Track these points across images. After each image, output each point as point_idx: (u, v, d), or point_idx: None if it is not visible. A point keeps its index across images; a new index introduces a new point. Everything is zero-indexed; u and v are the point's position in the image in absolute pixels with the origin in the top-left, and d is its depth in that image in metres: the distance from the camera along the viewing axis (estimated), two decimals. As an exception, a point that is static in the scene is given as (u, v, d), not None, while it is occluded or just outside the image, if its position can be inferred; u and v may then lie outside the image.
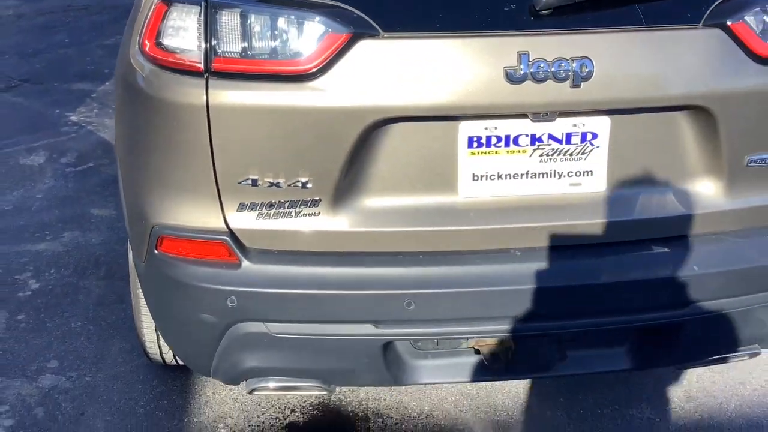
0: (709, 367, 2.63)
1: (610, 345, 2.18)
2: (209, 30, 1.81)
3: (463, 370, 2.14)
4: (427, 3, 1.83)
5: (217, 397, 2.74)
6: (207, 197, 1.90)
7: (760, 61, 1.92)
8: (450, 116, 1.87)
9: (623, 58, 1.86)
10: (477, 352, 2.15)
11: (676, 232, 2.04)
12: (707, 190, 2.03)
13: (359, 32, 1.78)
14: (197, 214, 1.92)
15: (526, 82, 1.81)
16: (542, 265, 1.97)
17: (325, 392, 2.18)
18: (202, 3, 1.82)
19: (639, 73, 1.87)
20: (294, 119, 1.82)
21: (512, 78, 1.80)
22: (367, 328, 1.96)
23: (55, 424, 2.63)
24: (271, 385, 2.11)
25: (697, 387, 2.77)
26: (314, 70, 1.79)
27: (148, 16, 1.89)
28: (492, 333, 2.02)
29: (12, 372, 2.87)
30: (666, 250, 2.02)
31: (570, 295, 1.98)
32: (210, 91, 1.81)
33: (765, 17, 1.93)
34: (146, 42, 1.90)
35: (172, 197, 1.94)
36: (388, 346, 2.04)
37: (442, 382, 2.33)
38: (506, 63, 1.80)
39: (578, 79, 1.82)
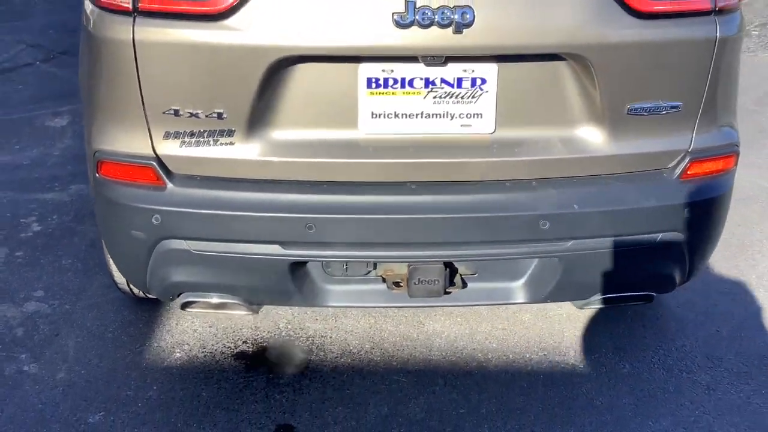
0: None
1: (507, 278, 2.36)
2: None
3: (370, 296, 2.35)
4: None
5: (178, 327, 3.01)
6: (137, 126, 2.15)
7: (637, 15, 2.09)
8: (349, 57, 2.09)
9: (503, 8, 2.05)
10: (384, 280, 2.36)
11: (558, 174, 2.21)
12: (590, 136, 2.20)
13: None
14: (129, 141, 2.18)
15: (413, 27, 2.01)
16: (434, 198, 2.17)
17: (249, 312, 2.42)
18: None
19: (518, 22, 2.06)
20: (209, 55, 2.06)
21: (400, 23, 2.01)
22: (275, 249, 2.19)
23: (31, 342, 2.93)
24: (199, 300, 2.36)
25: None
26: (225, 10, 2.02)
27: None
28: (385, 258, 2.24)
29: (3, 298, 3.18)
30: (549, 189, 2.19)
31: (459, 226, 2.18)
32: (136, 28, 2.06)
33: (646, -24, 2.09)
34: None
35: (108, 126, 2.20)
36: (296, 267, 2.26)
37: (350, 306, 2.54)
38: (395, 9, 2.01)
39: (460, 26, 2.01)
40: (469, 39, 2.03)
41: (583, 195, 2.20)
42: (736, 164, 2.38)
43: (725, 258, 3.50)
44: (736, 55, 2.30)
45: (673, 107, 2.20)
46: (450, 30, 2.02)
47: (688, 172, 2.27)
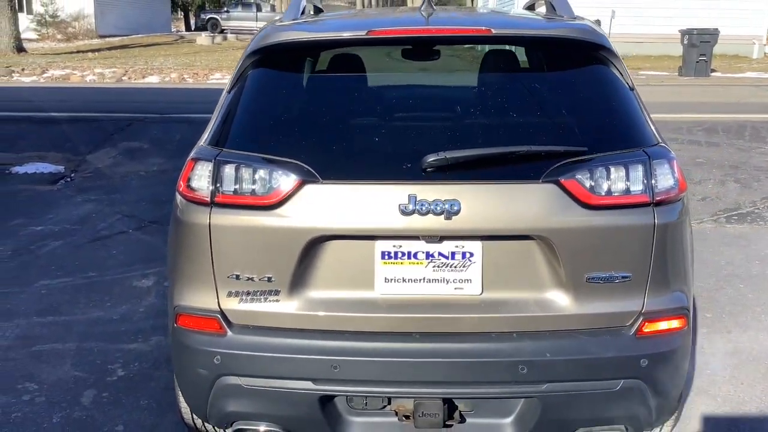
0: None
1: (499, 415, 2.87)
2: (215, 177, 2.79)
3: (384, 428, 2.88)
4: (351, 161, 2.75)
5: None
6: (207, 287, 2.82)
7: (586, 207, 2.69)
8: (368, 236, 2.74)
9: (483, 202, 2.68)
10: (396, 414, 2.90)
11: (533, 328, 2.76)
12: (557, 298, 2.76)
13: (306, 179, 2.71)
14: (201, 298, 2.84)
15: (414, 215, 2.67)
16: (434, 345, 2.74)
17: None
18: (214, 159, 2.82)
19: (494, 211, 2.68)
20: (263, 235, 2.74)
21: (404, 211, 2.67)
22: (307, 384, 2.77)
23: (111, 466, 3.51)
24: (249, 428, 2.93)
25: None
26: (277, 202, 2.72)
27: (184, 167, 2.91)
28: (394, 394, 2.78)
29: None
30: (526, 340, 2.74)
31: (453, 368, 2.73)
32: (212, 215, 2.77)
33: (592, 176, 2.71)
34: (181, 183, 2.90)
35: (186, 286, 2.87)
36: (325, 401, 2.83)
37: None
38: (400, 201, 2.67)
39: (449, 214, 2.66)
40: (456, 224, 2.67)
41: (553, 346, 2.74)
42: (687, 324, 2.88)
43: None
44: (680, 235, 2.85)
45: (624, 277, 2.76)
46: (442, 217, 2.66)
47: (643, 330, 2.79)
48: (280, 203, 2.71)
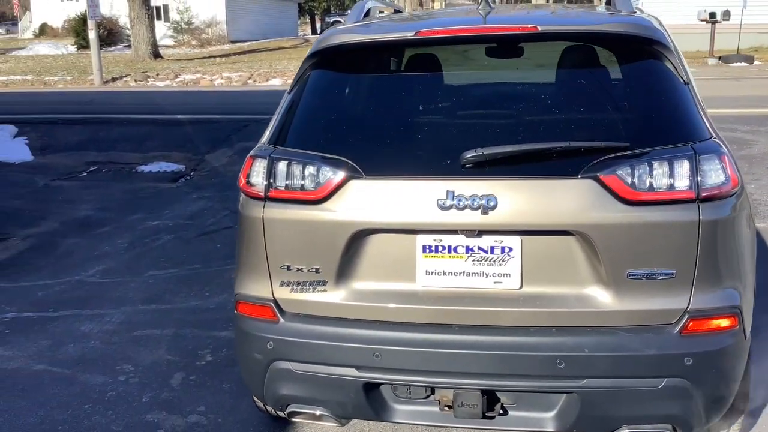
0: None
1: (541, 409, 2.90)
2: (269, 173, 2.97)
3: (427, 416, 2.97)
4: (393, 158, 2.86)
5: (300, 441, 3.74)
6: (263, 276, 3.00)
7: (626, 203, 2.70)
8: (408, 230, 2.84)
9: (519, 197, 2.73)
10: (439, 402, 2.98)
11: (573, 323, 2.78)
12: (597, 294, 2.77)
13: (351, 175, 2.85)
14: (257, 287, 3.03)
15: (452, 210, 2.75)
16: (472, 338, 2.81)
17: (338, 424, 3.11)
18: (268, 157, 2.99)
19: (531, 207, 2.73)
20: (311, 228, 2.89)
21: (442, 207, 2.75)
22: (352, 371, 2.90)
23: (188, 443, 3.77)
24: (302, 411, 3.09)
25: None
26: (324, 197, 2.86)
27: (244, 164, 3.10)
28: (433, 384, 2.87)
29: (174, 411, 4.07)
30: (565, 335, 2.77)
31: (491, 361, 2.79)
32: (266, 209, 2.95)
33: (634, 172, 2.71)
34: (242, 179, 3.09)
35: (245, 276, 3.07)
36: (370, 387, 2.95)
37: (411, 423, 3.13)
38: (439, 197, 2.76)
39: (486, 209, 2.73)
40: (493, 219, 2.73)
41: (592, 341, 2.75)
42: (739, 324, 2.83)
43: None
44: (732, 232, 2.81)
45: (667, 274, 2.74)
46: (479, 212, 2.74)
47: (688, 328, 2.76)
48: (326, 198, 2.85)
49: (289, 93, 3.22)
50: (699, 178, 2.72)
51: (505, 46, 3.12)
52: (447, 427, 3.16)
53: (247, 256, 3.05)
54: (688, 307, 2.76)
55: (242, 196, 3.07)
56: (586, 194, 2.71)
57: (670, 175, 2.72)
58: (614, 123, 2.89)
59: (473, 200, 2.73)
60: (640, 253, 2.73)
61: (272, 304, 2.99)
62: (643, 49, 3.00)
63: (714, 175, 2.75)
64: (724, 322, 2.79)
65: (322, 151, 2.93)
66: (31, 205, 8.78)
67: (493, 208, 2.73)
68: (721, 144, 2.85)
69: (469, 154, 2.74)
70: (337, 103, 3.12)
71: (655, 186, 2.71)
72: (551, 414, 2.88)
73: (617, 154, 2.74)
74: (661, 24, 3.25)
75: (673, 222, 2.71)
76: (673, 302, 2.76)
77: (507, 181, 2.75)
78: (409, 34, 3.04)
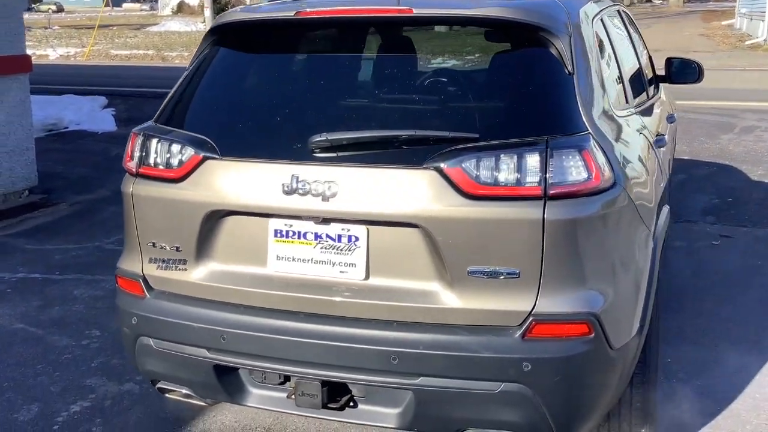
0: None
1: (389, 405, 2.80)
2: (141, 150, 2.99)
3: (276, 402, 2.92)
4: (248, 139, 2.83)
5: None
6: (135, 252, 3.04)
7: (468, 197, 2.56)
8: (261, 214, 2.80)
9: (360, 185, 2.64)
10: (289, 389, 2.93)
11: (414, 319, 2.67)
12: (439, 290, 2.65)
13: (208, 155, 2.83)
14: (131, 263, 3.07)
15: (295, 194, 2.69)
16: (316, 327, 2.75)
17: (205, 404, 3.11)
18: (142, 133, 3.02)
19: (371, 197, 2.63)
20: (171, 206, 2.90)
21: (286, 191, 2.70)
22: (203, 352, 2.90)
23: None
24: (170, 387, 3.11)
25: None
26: (181, 176, 2.87)
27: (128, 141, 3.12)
28: (275, 370, 2.82)
29: (114, 378, 4.19)
30: (403, 330, 2.66)
31: (330, 351, 2.72)
32: (135, 185, 2.98)
33: (480, 165, 2.57)
34: (125, 156, 3.13)
35: (125, 251, 3.12)
36: (223, 369, 2.93)
37: (261, 408, 3.08)
38: (284, 181, 2.71)
39: (326, 196, 2.65)
40: (333, 206, 2.66)
41: (429, 339, 2.63)
42: (594, 332, 2.63)
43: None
44: (592, 233, 2.61)
45: (510, 274, 2.58)
46: (320, 198, 2.67)
47: (532, 332, 2.60)
48: (184, 176, 2.85)
49: (187, 70, 3.23)
50: (549, 174, 2.55)
51: (380, 28, 3.01)
52: (293, 414, 3.10)
53: (126, 232, 3.10)
54: (532, 309, 2.60)
55: (126, 174, 3.12)
56: (427, 186, 2.59)
57: (518, 170, 2.56)
58: (472, 113, 2.75)
59: (315, 186, 2.67)
60: (482, 250, 2.59)
61: (141, 279, 3.02)
62: (523, 35, 2.83)
63: (570, 171, 2.57)
64: (574, 329, 2.61)
65: (192, 130, 2.93)
66: (95, 173, 9.20)
67: (334, 195, 2.65)
68: (590, 139, 2.65)
69: (315, 139, 2.68)
70: (215, 82, 3.11)
71: (500, 180, 2.57)
72: (397, 411, 2.78)
73: (465, 145, 2.60)
74: (572, 8, 3.04)
75: (517, 219, 2.56)
76: (517, 304, 2.61)
77: (350, 169, 2.67)
78: (290, 14, 2.98)
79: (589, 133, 2.69)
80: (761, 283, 5.36)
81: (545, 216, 2.54)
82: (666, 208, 3.62)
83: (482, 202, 2.56)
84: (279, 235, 2.80)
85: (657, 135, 3.68)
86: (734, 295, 5.13)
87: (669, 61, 5.18)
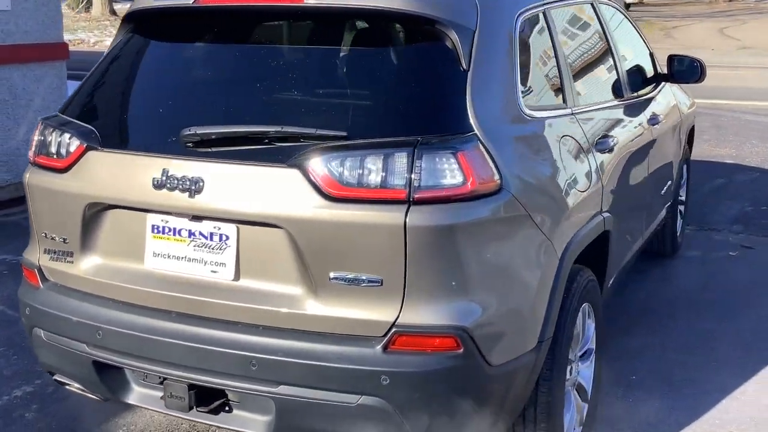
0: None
1: (261, 412, 2.68)
2: (39, 138, 2.95)
3: (153, 401, 2.84)
4: (129, 131, 2.76)
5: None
6: (33, 242, 3.02)
7: (329, 198, 2.42)
8: (138, 208, 2.73)
9: (226, 182, 2.54)
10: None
11: (279, 324, 2.54)
12: (304, 295, 2.52)
13: (90, 146, 2.77)
14: (31, 252, 3.05)
15: (164, 189, 2.60)
16: (182, 327, 2.66)
17: (100, 399, 3.06)
18: (41, 122, 2.99)
19: (236, 194, 2.52)
20: (58, 196, 2.86)
21: (156, 185, 2.62)
22: (83, 347, 2.84)
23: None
24: (63, 380, 3.07)
25: None
26: (65, 167, 2.82)
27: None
28: (146, 370, 2.74)
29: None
30: (266, 335, 2.54)
31: (195, 354, 2.62)
32: (30, 173, 2.95)
33: (344, 164, 2.42)
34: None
35: (30, 241, 3.09)
36: (101, 365, 2.86)
37: (141, 407, 3.00)
38: (155, 175, 2.62)
39: (192, 192, 2.56)
40: (198, 203, 2.57)
41: (289, 346, 2.51)
42: (465, 347, 2.45)
43: None
44: (466, 241, 2.43)
45: (372, 281, 2.43)
46: (186, 194, 2.57)
47: (395, 344, 2.44)
48: (69, 167, 2.81)
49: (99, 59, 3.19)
50: (415, 177, 2.38)
51: (268, 19, 2.88)
52: (168, 414, 3.00)
53: (30, 222, 3.08)
54: (396, 320, 2.44)
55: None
56: (290, 185, 2.47)
57: (383, 172, 2.41)
58: (348, 110, 2.61)
59: (183, 182, 2.58)
60: (344, 255, 2.44)
61: (37, 270, 3.00)
62: (416, 29, 2.67)
63: (441, 174, 2.41)
64: (440, 343, 2.44)
65: (85, 121, 2.88)
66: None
67: (200, 191, 2.56)
68: (473, 141, 2.47)
69: (185, 133, 2.59)
70: (115, 72, 3.06)
71: (364, 182, 2.42)
72: (265, 419, 2.67)
73: (332, 144, 2.46)
74: (488, 2, 2.85)
75: (378, 224, 2.40)
76: (380, 313, 2.46)
77: (217, 165, 2.57)
78: (189, 2, 2.89)
79: (474, 134, 2.51)
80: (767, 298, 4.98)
81: (407, 221, 2.37)
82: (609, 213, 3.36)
83: (344, 205, 2.42)
84: (156, 231, 2.72)
85: (604, 137, 3.42)
86: (734, 312, 4.79)
87: (671, 59, 4.86)
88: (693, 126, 5.89)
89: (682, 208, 5.92)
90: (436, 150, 2.42)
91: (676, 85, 5.41)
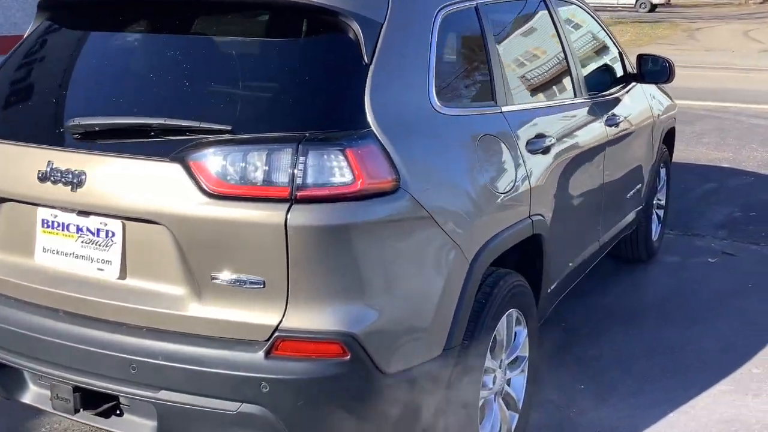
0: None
1: (149, 417, 2.57)
2: None
3: (47, 402, 2.73)
4: (17, 121, 2.68)
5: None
6: None
7: (210, 195, 2.30)
8: (30, 201, 2.63)
9: (108, 176, 2.43)
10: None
11: (161, 326, 2.43)
12: (187, 296, 2.40)
13: None
14: None
15: (48, 182, 2.50)
16: (69, 327, 2.55)
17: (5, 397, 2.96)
18: None
19: (118, 189, 2.42)
20: None
21: (41, 178, 2.51)
22: None
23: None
24: None
25: None
26: None
27: None
28: (33, 370, 2.64)
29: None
30: (147, 337, 2.43)
31: (78, 355, 2.51)
32: None
33: (226, 160, 2.31)
34: None
35: None
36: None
37: (35, 406, 2.86)
38: (40, 167, 2.52)
39: (75, 186, 2.45)
40: (81, 197, 2.46)
41: (170, 349, 2.40)
42: (352, 354, 2.32)
43: None
44: (359, 244, 2.31)
45: (253, 283, 2.31)
46: (69, 188, 2.47)
47: (278, 349, 2.32)
48: None
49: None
50: (299, 174, 2.26)
51: (169, 8, 2.76)
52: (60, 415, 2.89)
53: None
54: (279, 324, 2.32)
55: None
56: (171, 180, 2.36)
57: (266, 168, 2.29)
58: (238, 103, 2.49)
59: (66, 175, 2.48)
60: (225, 254, 2.33)
61: None
62: (317, 21, 2.56)
63: (327, 172, 2.28)
64: (324, 349, 2.32)
65: None
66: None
67: (81, 185, 2.46)
68: (367, 138, 2.35)
69: (69, 124, 2.49)
70: (17, 61, 2.95)
71: (246, 178, 2.30)
72: (152, 424, 2.55)
73: (216, 138, 2.35)
74: None
75: (259, 222, 2.28)
76: (263, 317, 2.34)
77: (99, 157, 2.47)
78: None
79: (370, 131, 2.38)
80: (737, 309, 4.79)
81: (288, 220, 2.25)
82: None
83: (225, 202, 2.30)
84: (46, 225, 2.62)
85: (539, 137, 3.26)
86: (700, 322, 4.61)
87: (640, 59, 4.69)
88: (672, 128, 5.70)
89: (661, 212, 5.75)
90: (322, 146, 2.29)
91: (656, 86, 5.24)
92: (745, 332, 4.47)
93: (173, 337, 2.42)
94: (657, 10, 36.24)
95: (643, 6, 35.82)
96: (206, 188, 2.31)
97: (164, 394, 2.42)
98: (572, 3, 4.26)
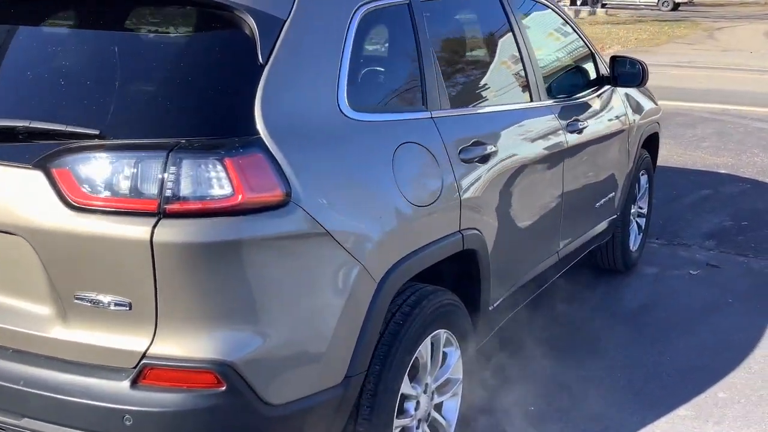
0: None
1: None
2: None
3: None
4: None
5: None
6: None
7: (71, 206, 2.10)
8: None
9: None
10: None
11: (23, 347, 2.24)
12: (49, 316, 2.21)
13: None
14: None
15: None
16: None
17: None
18: None
19: None
20: None
21: None
22: None
23: None
24: None
25: None
26: None
27: None
28: None
29: None
30: (11, 360, 2.24)
31: None
32: None
33: (92, 168, 2.10)
34: None
35: None
36: None
37: None
38: None
39: None
40: None
41: (32, 374, 2.21)
42: (228, 384, 2.12)
43: None
44: (238, 263, 2.11)
45: (119, 304, 2.12)
46: None
47: (146, 378, 2.12)
48: None
49: None
50: (169, 185, 2.06)
51: (49, 4, 2.56)
52: None
53: None
54: (146, 351, 2.12)
55: None
56: (32, 189, 2.16)
57: (133, 178, 2.09)
58: (112, 106, 2.28)
59: None
60: (88, 272, 2.14)
61: None
62: (207, 16, 2.37)
63: (202, 184, 2.08)
64: (197, 378, 2.11)
65: None
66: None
67: None
68: (253, 147, 2.14)
69: None
70: None
71: (111, 190, 2.10)
72: None
73: (82, 144, 2.15)
74: None
75: (123, 238, 2.08)
76: (130, 342, 2.14)
77: None
78: None
79: (257, 138, 2.18)
80: (712, 326, 4.54)
81: (154, 236, 2.05)
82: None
83: (88, 215, 2.10)
84: None
85: (475, 144, 3.03)
86: (668, 339, 4.36)
87: (613, 61, 4.44)
88: (656, 133, 5.44)
89: (642, 221, 5.49)
90: (197, 155, 2.09)
91: (638, 89, 5.00)
92: (716, 351, 4.22)
93: (36, 361, 2.23)
94: (680, 9, 35.69)
95: (665, 4, 35.31)
96: (68, 199, 2.11)
97: (27, 422, 2.24)
98: (536, 1, 4.02)
